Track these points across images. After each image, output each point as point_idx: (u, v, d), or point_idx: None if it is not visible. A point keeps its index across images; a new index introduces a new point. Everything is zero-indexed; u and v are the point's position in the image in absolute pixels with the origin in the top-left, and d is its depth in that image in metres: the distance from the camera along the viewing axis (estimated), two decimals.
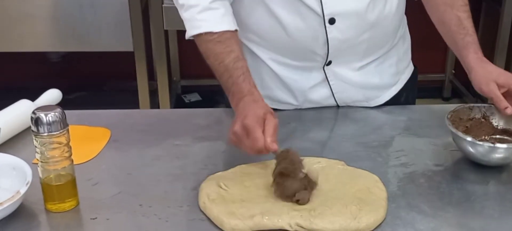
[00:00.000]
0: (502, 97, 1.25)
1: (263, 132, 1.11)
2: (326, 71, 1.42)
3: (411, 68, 1.59)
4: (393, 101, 1.53)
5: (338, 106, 1.50)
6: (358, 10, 1.33)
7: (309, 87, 1.45)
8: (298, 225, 1.02)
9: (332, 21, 1.32)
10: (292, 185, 1.07)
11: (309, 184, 1.09)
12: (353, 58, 1.43)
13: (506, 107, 1.24)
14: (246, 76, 1.24)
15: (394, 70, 1.51)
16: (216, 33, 1.28)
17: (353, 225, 1.02)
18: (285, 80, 1.44)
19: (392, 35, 1.46)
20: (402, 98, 1.55)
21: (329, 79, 1.43)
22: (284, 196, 1.08)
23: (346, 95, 1.47)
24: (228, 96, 1.27)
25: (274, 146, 1.10)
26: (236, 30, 1.30)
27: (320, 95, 1.46)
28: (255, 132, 1.11)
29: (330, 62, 1.40)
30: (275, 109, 1.25)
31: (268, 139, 1.10)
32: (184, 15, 1.32)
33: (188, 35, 1.33)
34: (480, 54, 1.32)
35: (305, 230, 1.02)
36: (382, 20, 1.38)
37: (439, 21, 1.39)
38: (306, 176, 1.10)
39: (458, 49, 1.35)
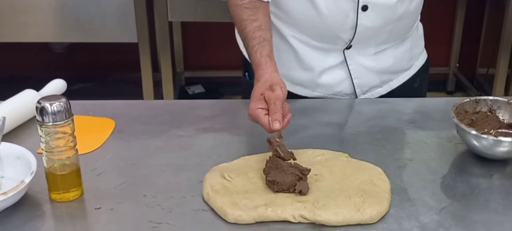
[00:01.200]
0: None
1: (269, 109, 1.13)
2: (345, 54, 1.45)
3: (425, 55, 1.64)
4: (407, 85, 1.57)
5: (355, 95, 1.52)
6: (389, 2, 1.37)
7: (326, 67, 1.47)
8: (301, 216, 1.02)
9: (365, 8, 1.36)
10: (284, 180, 1.07)
11: (302, 173, 1.09)
12: (370, 45, 1.46)
13: None
14: (260, 46, 1.26)
15: (408, 55, 1.55)
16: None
17: (357, 217, 1.02)
18: (303, 58, 1.47)
19: (410, 28, 1.51)
20: (415, 84, 1.60)
21: (348, 62, 1.46)
22: (281, 191, 1.08)
23: (363, 81, 1.50)
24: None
25: (276, 126, 1.11)
26: (267, 2, 1.34)
27: (335, 78, 1.48)
28: (260, 119, 1.14)
29: (350, 46, 1.43)
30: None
31: (272, 122, 1.12)
32: None
33: None
34: None
35: (309, 221, 1.02)
36: (407, 14, 1.43)
37: None
38: (295, 165, 1.10)
39: None
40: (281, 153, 1.10)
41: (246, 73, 1.57)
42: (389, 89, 1.55)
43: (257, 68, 1.24)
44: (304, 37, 1.45)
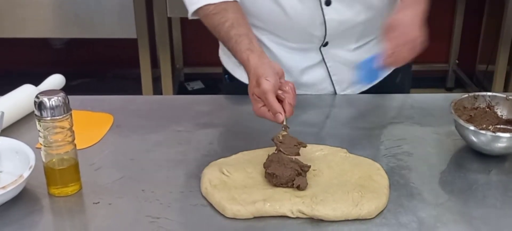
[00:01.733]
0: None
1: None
2: (323, 52, 1.43)
3: None
4: (388, 81, 1.53)
5: (335, 92, 1.50)
6: None
7: (305, 67, 1.46)
8: (300, 211, 1.02)
9: (328, 2, 1.34)
10: (283, 173, 1.07)
11: (301, 169, 1.09)
12: (349, 40, 1.44)
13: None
14: (237, 44, 1.24)
15: None
16: (212, 5, 1.30)
17: (355, 212, 1.02)
18: (282, 60, 1.45)
19: (387, 16, 1.46)
20: (397, 80, 1.56)
21: (326, 60, 1.45)
22: (279, 185, 1.08)
23: (342, 77, 1.48)
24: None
25: (279, 118, 1.11)
26: (234, 1, 1.32)
27: (316, 77, 1.47)
28: (266, 117, 1.14)
29: (326, 44, 1.42)
30: None
31: (275, 116, 1.12)
32: None
33: (190, 12, 1.35)
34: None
35: (307, 216, 1.02)
36: (379, 2, 1.39)
37: None
38: (296, 160, 1.10)
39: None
40: (284, 152, 1.10)
41: (226, 76, 1.57)
42: (369, 85, 1.52)
43: (244, 66, 1.23)
44: (280, 40, 1.43)
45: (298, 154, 1.11)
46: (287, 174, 1.07)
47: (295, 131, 1.16)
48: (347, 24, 1.39)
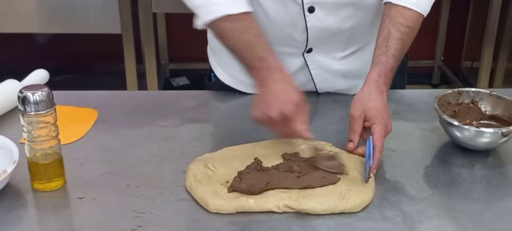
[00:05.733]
0: (355, 131, 1.18)
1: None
2: (306, 58, 1.41)
3: None
4: None
5: (317, 93, 1.49)
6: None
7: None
8: (286, 206, 1.02)
9: (311, 9, 1.31)
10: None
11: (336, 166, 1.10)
12: (335, 48, 1.42)
13: (350, 141, 1.19)
14: (271, 50, 1.18)
15: None
16: (234, 15, 1.18)
17: (341, 205, 1.02)
18: None
19: (374, 24, 1.41)
20: None
21: (309, 67, 1.43)
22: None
23: (327, 86, 1.47)
24: (250, 70, 1.20)
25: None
26: (253, 12, 1.22)
27: (299, 81, 1.45)
28: (296, 125, 1.13)
29: (310, 50, 1.40)
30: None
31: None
32: (195, 3, 1.21)
33: (203, 22, 1.20)
34: (382, 78, 1.22)
35: (294, 210, 1.02)
36: (363, 9, 1.36)
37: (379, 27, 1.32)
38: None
39: (371, 61, 1.27)
40: (330, 171, 1.11)
41: (212, 74, 1.55)
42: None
43: (278, 70, 1.19)
44: None
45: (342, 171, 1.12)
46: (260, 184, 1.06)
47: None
48: (331, 32, 1.35)
